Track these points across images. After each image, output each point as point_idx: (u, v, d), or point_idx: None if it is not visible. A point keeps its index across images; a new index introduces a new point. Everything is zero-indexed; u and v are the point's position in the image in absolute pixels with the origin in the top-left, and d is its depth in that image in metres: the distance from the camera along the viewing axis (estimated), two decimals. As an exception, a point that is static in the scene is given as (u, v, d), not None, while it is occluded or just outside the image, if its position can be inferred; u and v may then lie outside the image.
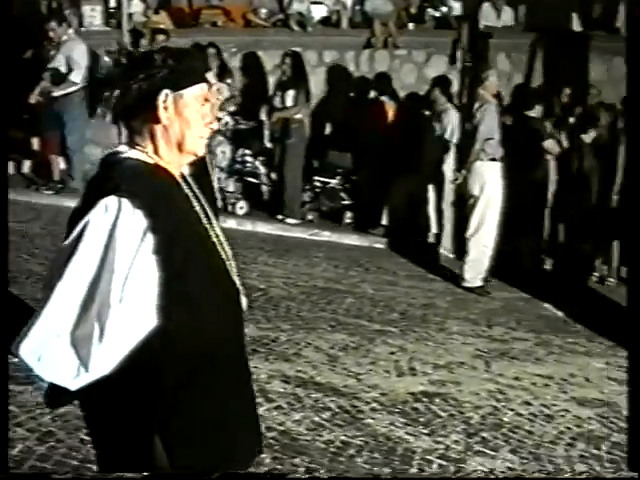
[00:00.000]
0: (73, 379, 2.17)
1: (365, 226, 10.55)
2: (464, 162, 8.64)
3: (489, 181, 8.34)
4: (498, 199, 8.36)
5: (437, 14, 12.77)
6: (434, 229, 10.06)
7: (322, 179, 11.00)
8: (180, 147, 2.34)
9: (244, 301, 2.56)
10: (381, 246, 10.17)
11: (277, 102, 10.63)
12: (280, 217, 10.33)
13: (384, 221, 10.45)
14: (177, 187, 2.34)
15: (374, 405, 5.30)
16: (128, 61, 2.24)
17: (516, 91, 10.85)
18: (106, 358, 2.15)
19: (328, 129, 11.73)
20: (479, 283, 8.39)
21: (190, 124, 2.32)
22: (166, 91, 2.28)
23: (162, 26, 12.22)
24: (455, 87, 10.15)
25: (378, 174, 10.68)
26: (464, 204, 8.78)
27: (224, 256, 2.43)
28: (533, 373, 6.17)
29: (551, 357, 6.64)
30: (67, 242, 2.20)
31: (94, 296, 2.15)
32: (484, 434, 5.04)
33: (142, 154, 2.31)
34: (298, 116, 10.63)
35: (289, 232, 10.19)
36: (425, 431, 5.00)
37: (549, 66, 11.73)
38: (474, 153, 8.36)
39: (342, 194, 10.95)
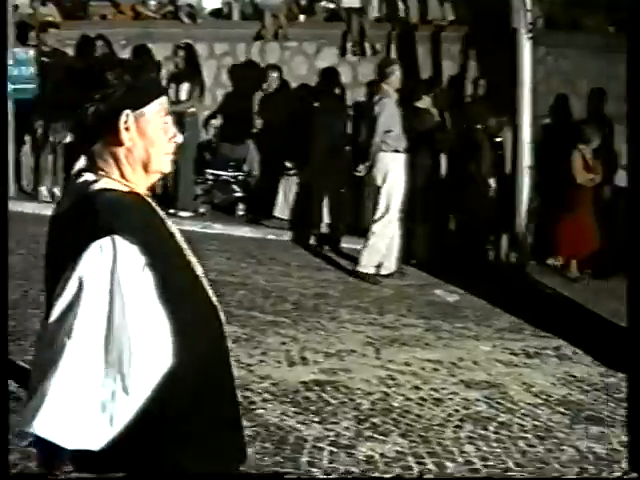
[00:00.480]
0: (98, 438, 2.00)
1: (258, 218, 10.53)
2: (367, 153, 8.73)
3: (391, 171, 8.44)
4: (400, 189, 8.48)
5: (328, 6, 12.81)
6: (327, 219, 10.10)
7: (215, 172, 10.92)
8: (146, 168, 2.19)
9: (222, 316, 2.36)
10: (274, 237, 10.16)
11: (171, 95, 10.47)
12: (172, 210, 10.18)
13: (277, 213, 10.45)
14: (155, 212, 2.21)
15: (265, 395, 5.28)
16: (73, 78, 1.92)
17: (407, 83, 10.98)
18: (131, 408, 2.01)
19: (220, 121, 11.62)
20: (372, 270, 8.48)
21: (154, 142, 2.19)
22: (127, 111, 2.11)
23: (50, 19, 11.89)
24: (346, 79, 10.22)
25: (270, 165, 10.68)
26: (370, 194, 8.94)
27: (199, 272, 2.29)
28: (423, 358, 6.26)
29: (440, 342, 6.75)
30: (64, 294, 2.00)
31: (110, 347, 1.99)
32: (374, 420, 5.09)
33: (115, 182, 2.13)
34: (192, 110, 10.54)
35: (181, 225, 9.99)
36: (316, 419, 5.01)
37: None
38: (375, 145, 8.44)
39: (234, 186, 10.91)
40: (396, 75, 8.73)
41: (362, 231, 9.05)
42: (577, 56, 11.93)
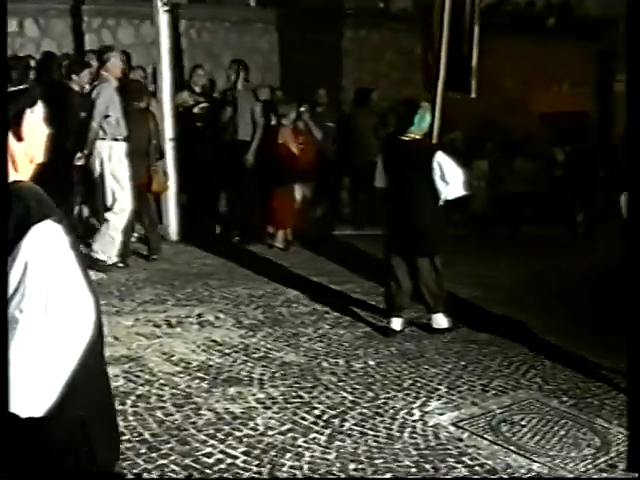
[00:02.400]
0: (42, 405, 2.17)
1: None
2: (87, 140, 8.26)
3: (109, 159, 8.12)
4: (125, 179, 8.15)
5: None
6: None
7: None
8: (32, 160, 2.38)
9: None
10: None
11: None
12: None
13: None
14: None
15: None
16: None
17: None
18: (64, 375, 2.20)
19: None
20: (102, 257, 8.09)
21: (40, 137, 2.40)
22: (28, 110, 2.34)
23: None
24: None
25: None
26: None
27: None
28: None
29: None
30: (11, 277, 2.13)
31: (53, 317, 2.16)
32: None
33: (14, 174, 2.30)
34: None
35: None
36: None
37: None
38: (92, 131, 8.10)
39: None
40: (112, 62, 8.41)
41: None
42: (220, 29, 12.09)
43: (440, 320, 6.76)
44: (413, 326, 6.87)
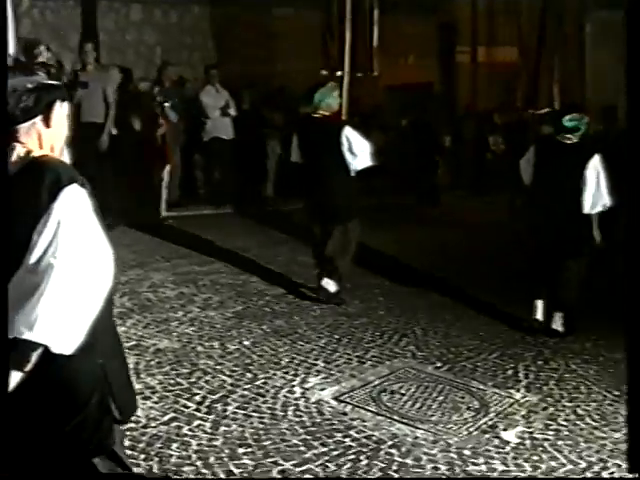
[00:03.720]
0: (73, 344, 2.47)
1: None
2: None
3: None
4: None
5: None
6: None
7: None
8: (52, 148, 2.70)
9: None
10: None
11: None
12: None
13: None
14: None
15: None
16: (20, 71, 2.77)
17: None
18: (91, 317, 2.52)
19: None
20: None
21: (63, 129, 2.75)
22: (59, 102, 2.69)
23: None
24: None
25: None
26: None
27: None
28: None
29: None
30: (45, 230, 2.44)
31: (84, 266, 2.48)
32: None
33: (41, 152, 2.63)
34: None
35: None
36: None
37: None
38: None
39: None
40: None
41: None
42: (64, 8, 11.59)
43: (331, 286, 6.95)
44: (282, 303, 6.85)
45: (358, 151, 6.80)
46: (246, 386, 5.06)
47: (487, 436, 4.55)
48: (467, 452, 4.34)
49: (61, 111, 2.69)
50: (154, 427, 4.39)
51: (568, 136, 6.27)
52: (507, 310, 6.78)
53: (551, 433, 4.62)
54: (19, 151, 2.57)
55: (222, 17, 12.99)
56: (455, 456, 4.30)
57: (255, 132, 11.39)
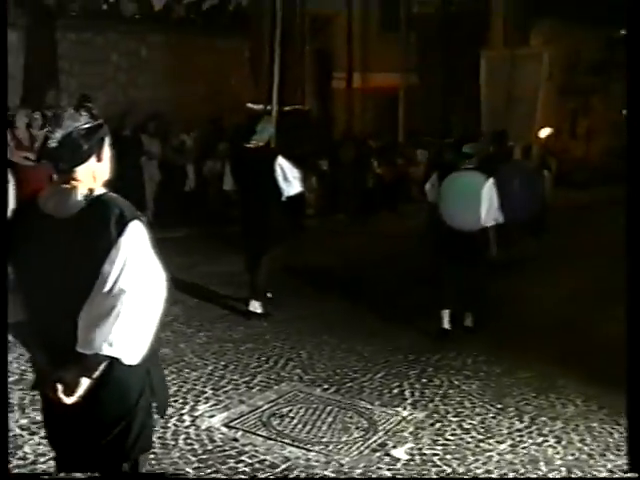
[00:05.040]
0: (139, 355, 2.93)
1: None
2: None
3: None
4: None
5: None
6: None
7: None
8: (102, 180, 3.03)
9: None
10: None
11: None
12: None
13: None
14: None
15: None
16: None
17: None
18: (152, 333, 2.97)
19: None
20: None
21: (108, 161, 3.05)
22: (107, 138, 3.03)
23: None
24: None
25: None
26: None
27: None
28: None
29: None
30: (117, 260, 2.84)
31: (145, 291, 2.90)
32: None
33: (96, 186, 2.98)
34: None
35: None
36: None
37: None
38: None
39: None
40: None
41: None
42: None
43: (256, 306, 7.35)
44: (167, 331, 6.77)
45: (291, 178, 7.31)
46: (134, 416, 4.96)
47: (378, 454, 4.63)
48: (359, 471, 4.41)
49: (107, 145, 3.02)
50: (43, 463, 4.25)
51: (467, 161, 6.94)
52: (391, 329, 6.94)
53: (439, 448, 4.74)
54: (82, 190, 2.92)
55: (93, 44, 12.85)
56: (348, 476, 4.35)
57: (134, 159, 11.25)
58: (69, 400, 2.84)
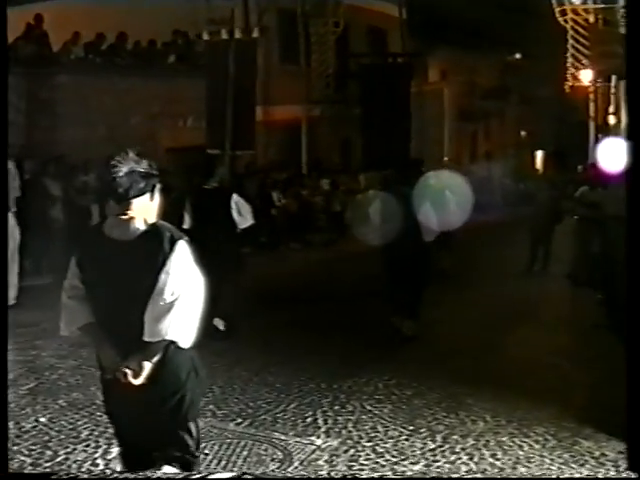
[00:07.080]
0: (190, 340, 3.76)
1: None
2: None
3: None
4: None
5: None
6: None
7: None
8: (148, 216, 3.75)
9: None
10: None
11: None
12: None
13: None
14: None
15: None
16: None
17: None
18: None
19: None
20: None
21: (157, 203, 3.82)
22: (158, 185, 3.79)
23: None
24: None
25: None
26: None
27: None
28: None
29: None
30: (171, 273, 3.64)
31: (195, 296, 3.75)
32: None
33: (154, 218, 3.78)
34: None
35: None
36: None
37: None
38: None
39: None
40: None
41: None
42: None
43: (220, 325, 8.08)
44: (77, 375, 6.68)
45: (245, 213, 8.26)
46: (47, 464, 4.89)
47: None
48: (276, 503, 4.44)
49: (158, 191, 3.76)
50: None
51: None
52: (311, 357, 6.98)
53: (354, 474, 4.81)
54: (139, 220, 3.67)
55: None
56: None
57: (36, 202, 11.06)
58: (137, 382, 3.58)
